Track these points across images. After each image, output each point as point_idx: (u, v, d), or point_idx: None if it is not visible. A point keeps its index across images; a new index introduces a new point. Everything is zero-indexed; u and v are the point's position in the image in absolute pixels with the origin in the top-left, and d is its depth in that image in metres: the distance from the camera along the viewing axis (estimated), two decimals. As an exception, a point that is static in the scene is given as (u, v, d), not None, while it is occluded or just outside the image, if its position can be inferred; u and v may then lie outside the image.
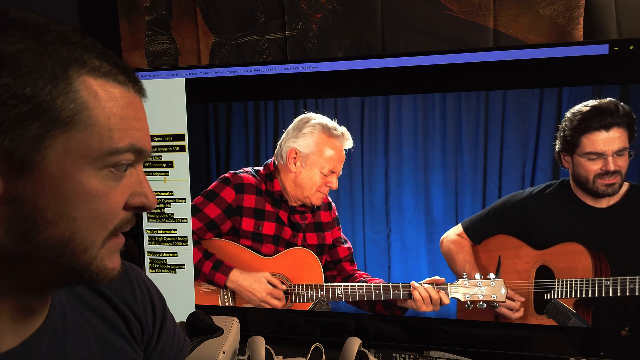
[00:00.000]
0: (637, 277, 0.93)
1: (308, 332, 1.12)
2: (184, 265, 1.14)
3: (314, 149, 1.05)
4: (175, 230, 1.14)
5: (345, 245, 1.07)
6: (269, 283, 1.09)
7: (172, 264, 1.15)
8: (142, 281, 0.64)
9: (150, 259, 1.17)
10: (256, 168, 1.10)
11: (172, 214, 1.14)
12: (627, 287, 0.93)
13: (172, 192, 1.14)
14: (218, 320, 0.99)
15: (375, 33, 1.17)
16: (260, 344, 0.95)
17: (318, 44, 1.22)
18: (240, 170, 1.10)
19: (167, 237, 1.15)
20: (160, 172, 1.14)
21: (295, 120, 1.06)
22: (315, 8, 1.22)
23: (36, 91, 0.38)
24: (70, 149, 0.40)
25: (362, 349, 0.95)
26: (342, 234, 1.07)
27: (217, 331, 0.96)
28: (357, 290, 1.05)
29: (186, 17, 1.30)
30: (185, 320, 0.99)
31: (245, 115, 1.09)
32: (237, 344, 1.01)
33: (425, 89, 1.00)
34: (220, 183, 1.10)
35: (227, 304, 1.12)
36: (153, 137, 1.10)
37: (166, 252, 1.15)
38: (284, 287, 1.10)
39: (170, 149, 1.12)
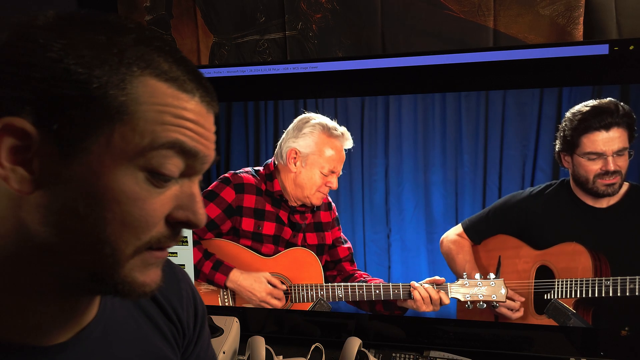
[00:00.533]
0: (637, 277, 0.93)
1: (308, 332, 1.12)
2: (184, 265, 1.14)
3: (314, 149, 1.05)
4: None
5: (345, 245, 1.08)
6: (269, 283, 1.09)
7: (172, 264, 1.15)
8: (188, 285, 0.63)
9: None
10: (256, 168, 1.10)
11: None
12: (627, 287, 0.94)
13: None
14: (218, 320, 1.00)
15: (375, 33, 1.17)
16: (260, 344, 0.96)
17: (318, 44, 1.22)
18: (240, 170, 1.10)
19: (167, 237, 1.14)
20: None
21: (295, 120, 1.06)
22: (315, 8, 1.21)
23: (90, 78, 0.38)
24: (112, 142, 0.39)
25: (362, 349, 0.95)
26: (342, 234, 1.08)
27: (217, 331, 0.96)
28: (357, 290, 1.05)
29: (186, 17, 1.30)
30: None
31: (245, 115, 1.09)
32: (237, 344, 1.01)
33: (426, 89, 1.00)
34: (220, 183, 1.10)
35: (227, 304, 1.12)
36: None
37: (166, 252, 1.16)
38: (284, 287, 1.10)
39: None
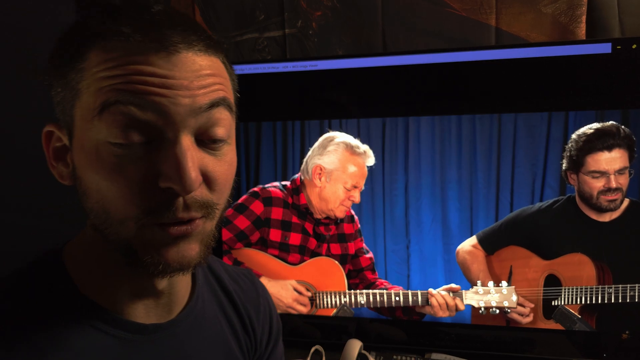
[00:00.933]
0: (637, 285, 1.00)
1: (308, 334, 1.15)
2: None
3: (337, 165, 1.13)
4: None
5: (367, 255, 1.15)
6: (295, 290, 1.16)
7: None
8: (266, 300, 0.63)
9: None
10: (284, 183, 1.17)
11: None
12: (628, 294, 1.01)
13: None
14: None
15: (376, 31, 1.17)
16: None
17: (318, 42, 1.21)
18: (269, 185, 1.17)
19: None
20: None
21: (321, 139, 1.14)
22: (315, 6, 1.20)
23: (68, 70, 0.42)
24: (82, 117, 0.42)
25: (363, 351, 0.99)
26: (364, 244, 1.15)
27: None
28: (378, 297, 1.12)
29: None
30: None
31: (274, 134, 1.16)
32: None
33: (439, 112, 1.05)
34: (249, 197, 1.17)
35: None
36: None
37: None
38: (309, 293, 1.17)
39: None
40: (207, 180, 0.43)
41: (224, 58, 0.47)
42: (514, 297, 1.06)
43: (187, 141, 0.40)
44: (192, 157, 0.40)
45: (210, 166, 0.43)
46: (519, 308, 1.06)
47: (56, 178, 0.46)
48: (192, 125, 0.41)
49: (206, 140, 0.43)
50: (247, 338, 0.59)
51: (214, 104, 0.42)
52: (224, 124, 0.43)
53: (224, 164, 0.45)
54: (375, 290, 1.13)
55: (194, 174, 0.40)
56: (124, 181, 0.40)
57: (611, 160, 1.00)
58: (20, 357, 0.41)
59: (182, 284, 0.52)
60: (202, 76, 0.41)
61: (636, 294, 1.00)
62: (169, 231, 0.41)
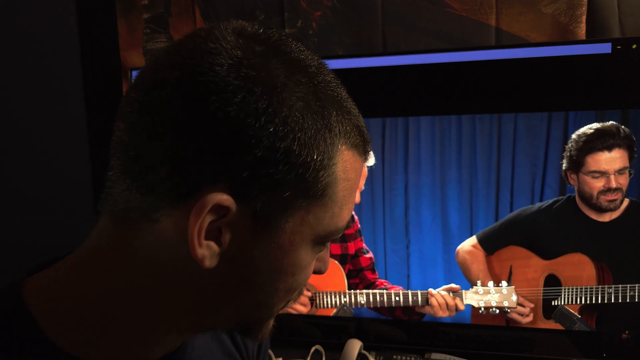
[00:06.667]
0: (636, 284, 1.01)
1: (308, 334, 1.15)
2: None
3: (337, 165, 1.13)
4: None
5: (367, 255, 1.15)
6: (295, 290, 1.16)
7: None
8: None
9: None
10: (283, 183, 1.17)
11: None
12: (628, 294, 1.01)
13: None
14: None
15: (376, 31, 1.16)
16: None
17: (318, 42, 1.21)
18: (269, 185, 1.17)
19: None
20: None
21: (320, 139, 1.14)
22: (315, 6, 1.19)
23: (309, 161, 0.35)
24: (306, 222, 0.37)
25: (363, 351, 0.99)
26: (364, 244, 1.15)
27: None
28: (378, 297, 1.12)
29: (185, 16, 1.28)
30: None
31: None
32: None
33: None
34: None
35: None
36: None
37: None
38: (309, 293, 1.17)
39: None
40: None
41: None
42: (514, 297, 1.06)
43: None
44: None
45: None
46: (519, 308, 1.07)
47: (198, 260, 0.36)
48: None
49: None
50: (238, 356, 0.57)
51: None
52: None
53: None
54: (375, 290, 1.13)
55: None
56: (304, 277, 0.41)
57: (611, 160, 1.00)
58: None
59: None
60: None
61: (636, 293, 1.01)
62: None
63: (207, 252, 0.36)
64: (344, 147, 0.38)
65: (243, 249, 0.37)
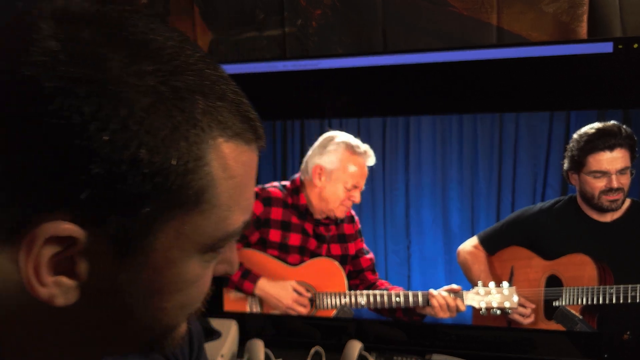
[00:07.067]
0: (638, 285, 1.00)
1: (308, 335, 1.14)
2: None
3: (337, 165, 1.12)
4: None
5: (368, 256, 1.14)
6: (295, 291, 1.16)
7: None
8: None
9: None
10: (283, 183, 1.17)
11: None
12: (629, 294, 1.01)
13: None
14: (216, 323, 1.00)
15: (376, 30, 1.16)
16: (259, 347, 0.97)
17: (318, 41, 1.20)
18: (268, 185, 1.16)
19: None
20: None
21: (320, 138, 1.13)
22: (314, 4, 1.19)
23: (166, 165, 0.29)
24: (182, 235, 0.32)
25: (363, 352, 0.99)
26: (364, 245, 1.14)
27: (215, 334, 0.97)
28: (378, 297, 1.12)
29: (184, 14, 1.28)
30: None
31: (274, 134, 1.16)
32: (235, 347, 1.02)
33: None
34: (249, 197, 1.16)
35: (255, 310, 1.19)
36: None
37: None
38: (309, 294, 1.17)
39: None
40: None
41: None
42: (515, 298, 1.06)
43: None
44: None
45: None
46: (520, 309, 1.06)
47: (44, 300, 0.30)
48: None
49: None
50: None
51: None
52: None
53: None
54: (375, 291, 1.12)
55: None
56: (200, 290, 0.37)
57: (613, 160, 0.99)
58: None
59: None
60: None
61: (637, 294, 1.00)
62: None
63: (55, 289, 0.30)
64: (220, 140, 0.32)
65: (108, 277, 0.32)
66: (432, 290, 1.09)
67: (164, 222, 0.31)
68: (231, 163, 0.33)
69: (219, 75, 0.34)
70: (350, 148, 1.12)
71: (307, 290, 1.16)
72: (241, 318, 1.14)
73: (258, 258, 1.17)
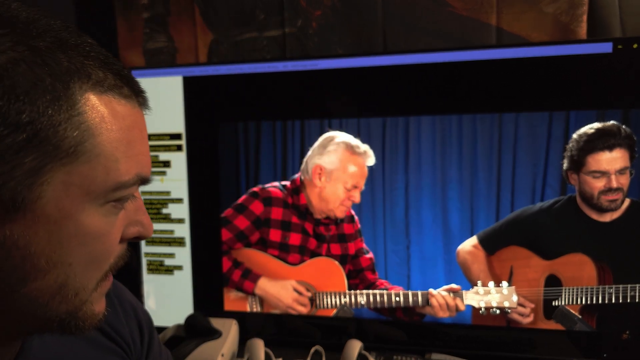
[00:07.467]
0: (637, 285, 1.00)
1: (308, 334, 1.15)
2: (181, 266, 1.19)
3: (337, 165, 1.12)
4: (173, 231, 1.18)
5: (367, 256, 1.15)
6: (295, 290, 1.16)
7: (170, 266, 1.20)
8: (125, 300, 0.57)
9: (147, 260, 1.21)
10: (283, 183, 1.17)
11: (170, 214, 1.19)
12: (628, 294, 1.01)
13: (169, 192, 1.18)
14: (217, 322, 1.01)
15: (376, 30, 1.16)
16: (259, 346, 0.97)
17: (318, 41, 1.21)
18: (268, 185, 1.17)
19: (164, 238, 1.18)
20: (157, 171, 1.17)
21: (321, 138, 1.14)
22: (315, 5, 1.20)
23: (34, 116, 0.31)
24: (70, 185, 0.34)
25: (363, 351, 0.99)
26: (364, 244, 1.15)
27: (215, 333, 0.97)
28: (378, 297, 1.12)
29: (184, 15, 1.29)
30: (183, 323, 1.02)
31: (274, 134, 1.16)
32: (236, 346, 1.03)
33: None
34: (249, 197, 1.17)
35: (255, 310, 1.19)
36: (150, 137, 1.06)
37: (163, 254, 1.20)
38: (309, 294, 1.17)
39: (167, 148, 1.17)
40: None
41: None
42: (515, 298, 1.06)
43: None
44: None
45: None
46: (520, 308, 1.06)
47: None
48: None
49: None
50: (116, 347, 0.53)
51: None
52: None
53: None
54: (375, 291, 1.13)
55: None
56: (106, 246, 0.37)
57: (612, 160, 1.00)
58: None
59: None
60: None
61: (637, 294, 1.00)
62: (108, 282, 0.40)
63: None
64: (92, 93, 0.34)
65: (4, 232, 0.32)
66: (431, 290, 1.10)
67: (48, 172, 0.33)
68: (107, 115, 0.35)
69: (83, 40, 0.36)
70: (350, 148, 1.12)
71: (307, 290, 1.17)
72: (241, 317, 1.14)
73: (258, 258, 1.17)
